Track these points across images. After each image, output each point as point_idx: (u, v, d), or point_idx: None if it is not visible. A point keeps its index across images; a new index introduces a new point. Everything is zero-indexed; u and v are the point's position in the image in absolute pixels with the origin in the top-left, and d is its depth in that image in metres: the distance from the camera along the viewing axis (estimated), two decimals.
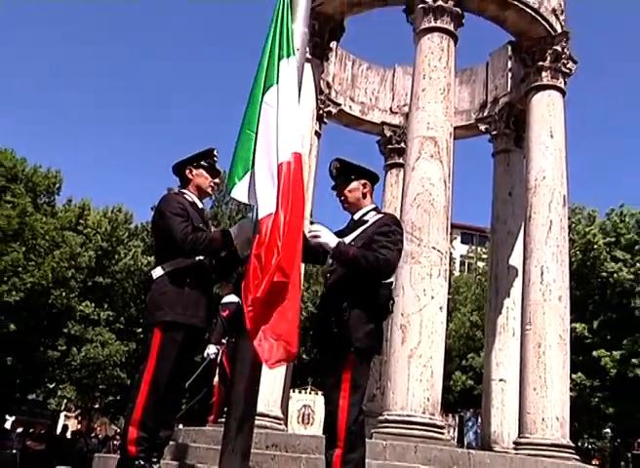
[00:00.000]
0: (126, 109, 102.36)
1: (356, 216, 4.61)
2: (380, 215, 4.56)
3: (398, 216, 9.41)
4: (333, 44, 12.07)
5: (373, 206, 4.67)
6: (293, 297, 3.86)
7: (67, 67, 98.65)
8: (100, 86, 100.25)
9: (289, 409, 13.84)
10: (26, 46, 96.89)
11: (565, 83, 11.31)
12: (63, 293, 22.20)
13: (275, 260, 3.72)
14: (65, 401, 32.23)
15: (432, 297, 8.63)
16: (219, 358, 9.16)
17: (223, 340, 9.15)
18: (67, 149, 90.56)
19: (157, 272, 4.67)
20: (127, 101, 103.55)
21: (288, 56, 4.22)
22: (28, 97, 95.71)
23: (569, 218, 12.74)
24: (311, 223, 3.98)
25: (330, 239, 4.21)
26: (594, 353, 21.90)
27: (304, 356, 21.43)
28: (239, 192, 4.16)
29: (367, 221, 4.50)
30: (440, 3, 10.03)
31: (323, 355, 4.59)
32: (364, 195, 4.64)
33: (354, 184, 4.63)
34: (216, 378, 9.43)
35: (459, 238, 45.94)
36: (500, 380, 11.47)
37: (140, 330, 24.35)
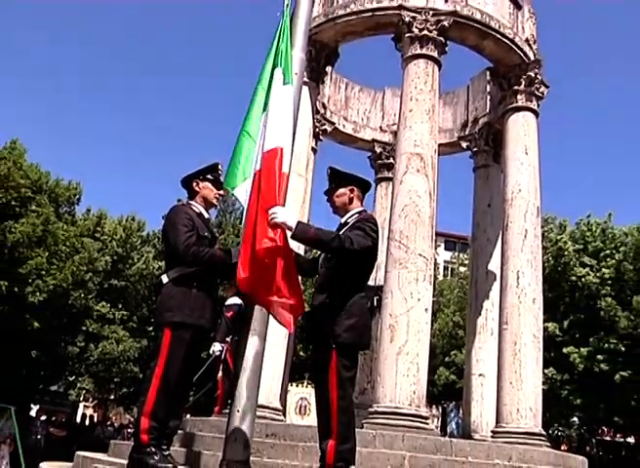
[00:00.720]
0: (140, 128, 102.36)
1: (342, 220, 4.59)
2: (360, 216, 4.51)
3: (388, 226, 9.47)
4: (328, 68, 12.12)
5: (359, 209, 4.61)
6: (286, 258, 3.88)
7: (88, 84, 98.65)
8: (117, 102, 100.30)
9: (287, 401, 13.80)
10: (50, 60, 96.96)
11: (538, 105, 11.36)
12: (82, 295, 22.14)
13: (254, 230, 3.82)
14: (84, 392, 32.17)
15: (418, 300, 8.64)
16: (223, 355, 9.14)
17: (227, 339, 9.13)
18: (87, 162, 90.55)
19: (167, 277, 4.65)
20: (141, 121, 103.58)
21: (285, 83, 4.25)
22: (56, 116, 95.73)
23: (542, 227, 12.73)
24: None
25: (287, 218, 3.89)
26: (564, 350, 21.90)
27: (302, 353, 21.38)
28: (239, 193, 4.22)
29: (349, 223, 4.48)
30: (425, 33, 10.07)
31: (313, 351, 4.58)
32: (350, 200, 4.61)
33: (341, 190, 4.62)
34: (220, 373, 9.41)
35: (442, 245, 46.06)
36: (480, 375, 11.47)
37: (151, 328, 24.34)
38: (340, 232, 4.39)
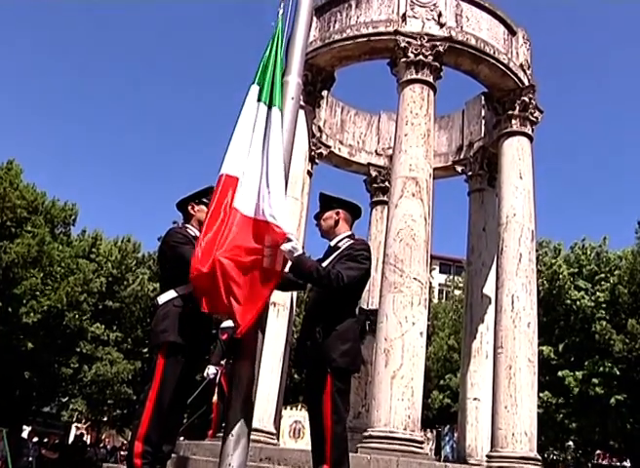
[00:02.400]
0: (137, 150, 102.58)
1: (332, 243, 4.58)
2: (352, 241, 4.51)
3: (383, 249, 9.47)
4: (324, 92, 12.16)
5: (348, 233, 4.60)
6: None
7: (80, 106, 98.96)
8: (114, 123, 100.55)
9: (281, 424, 13.72)
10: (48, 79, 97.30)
11: (532, 130, 11.43)
12: (77, 316, 22.05)
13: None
14: (77, 413, 31.91)
15: (413, 324, 8.63)
16: (217, 378, 9.10)
17: (222, 362, 9.10)
18: (84, 183, 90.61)
19: (162, 299, 4.66)
20: (139, 143, 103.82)
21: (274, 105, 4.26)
22: (54, 138, 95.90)
23: (537, 251, 12.76)
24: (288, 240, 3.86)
25: (297, 247, 3.93)
26: (559, 373, 21.86)
27: (296, 376, 21.29)
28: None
29: (340, 248, 4.47)
30: (421, 58, 10.15)
31: (306, 376, 4.56)
32: (336, 222, 4.60)
33: (328, 213, 4.64)
34: (215, 396, 9.37)
35: (437, 268, 46.06)
36: (475, 399, 11.43)
37: (145, 350, 24.26)
38: (332, 256, 4.41)
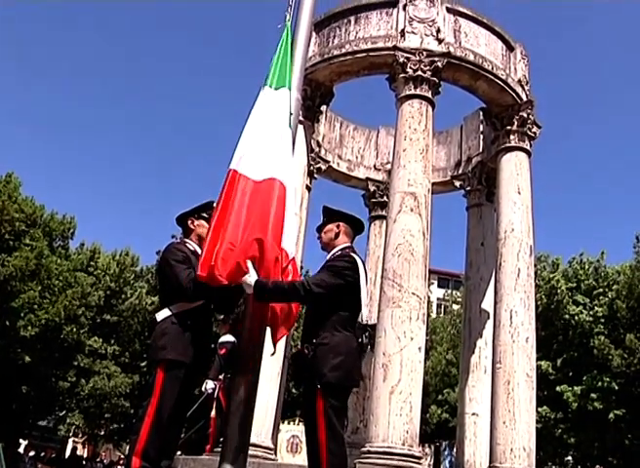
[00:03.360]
0: (134, 166, 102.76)
1: (328, 256, 4.55)
2: (338, 253, 4.47)
3: (381, 264, 9.47)
4: (323, 107, 12.20)
5: (345, 245, 4.55)
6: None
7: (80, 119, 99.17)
8: (113, 137, 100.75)
9: (278, 438, 13.66)
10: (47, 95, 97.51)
11: (530, 145, 11.48)
12: (74, 329, 22.03)
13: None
14: (74, 427, 31.77)
15: (412, 339, 8.62)
16: (215, 393, 9.07)
17: (220, 376, 9.07)
18: (82, 195, 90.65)
19: (161, 315, 4.63)
20: (137, 156, 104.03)
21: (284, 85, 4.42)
22: (52, 150, 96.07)
23: (535, 265, 12.76)
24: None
25: (250, 279, 3.96)
26: (558, 388, 21.82)
27: (293, 390, 21.22)
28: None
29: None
30: (419, 73, 10.21)
31: (302, 392, 4.53)
32: (336, 235, 4.57)
33: (329, 226, 4.62)
34: (213, 411, 9.33)
35: (435, 282, 46.02)
36: (473, 414, 11.40)
37: (143, 363, 24.21)
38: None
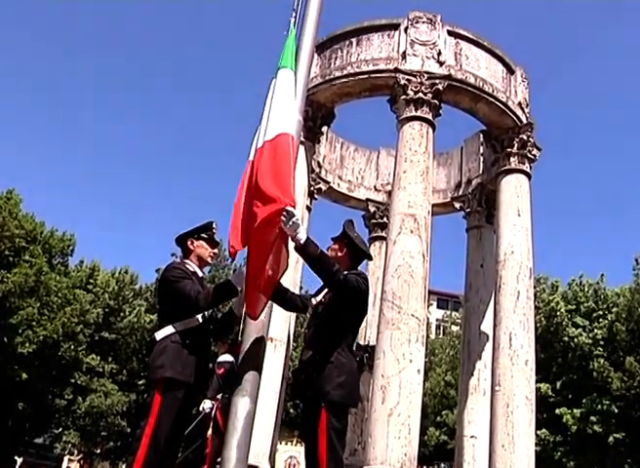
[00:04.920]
0: (135, 184, 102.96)
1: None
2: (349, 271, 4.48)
3: (381, 285, 9.46)
4: (324, 128, 12.24)
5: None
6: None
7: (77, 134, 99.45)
8: (114, 155, 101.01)
9: (276, 459, 13.60)
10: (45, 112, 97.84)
11: (530, 167, 11.51)
12: (72, 346, 22.02)
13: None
14: (70, 445, 31.60)
15: (411, 361, 8.60)
16: (213, 412, 9.04)
17: (218, 396, 9.04)
18: (83, 212, 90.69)
19: (160, 334, 4.64)
20: (138, 175, 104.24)
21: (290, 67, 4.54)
22: (57, 170, 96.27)
23: (534, 287, 12.76)
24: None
25: (300, 228, 3.98)
26: (557, 411, 21.79)
27: (291, 410, 21.16)
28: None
29: None
30: (420, 95, 10.26)
31: (302, 409, 4.52)
32: (338, 256, 4.58)
33: (335, 246, 4.65)
34: (210, 431, 9.28)
35: (435, 303, 45.98)
36: (472, 437, 11.33)
37: (140, 382, 24.19)
38: (325, 290, 4.44)
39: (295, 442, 18.11)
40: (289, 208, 3.86)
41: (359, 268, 4.74)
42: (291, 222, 3.87)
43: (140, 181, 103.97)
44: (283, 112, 4.32)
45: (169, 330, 4.60)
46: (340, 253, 4.59)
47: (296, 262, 10.61)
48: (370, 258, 4.88)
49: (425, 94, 10.30)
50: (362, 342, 11.65)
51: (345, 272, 4.32)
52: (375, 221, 14.09)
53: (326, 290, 4.48)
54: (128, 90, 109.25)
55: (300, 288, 12.88)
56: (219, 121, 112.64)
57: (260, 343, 4.15)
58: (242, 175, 4.38)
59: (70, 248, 24.44)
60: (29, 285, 19.92)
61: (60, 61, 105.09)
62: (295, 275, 10.36)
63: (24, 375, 20.18)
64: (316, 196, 12.99)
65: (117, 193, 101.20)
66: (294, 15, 4.90)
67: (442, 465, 30.06)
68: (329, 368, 4.18)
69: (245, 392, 3.95)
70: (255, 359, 4.06)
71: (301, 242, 3.98)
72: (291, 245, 4.10)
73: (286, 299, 4.62)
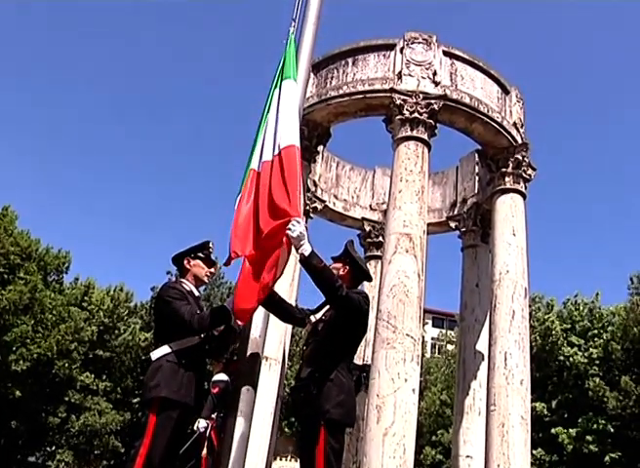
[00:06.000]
0: (130, 201, 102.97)
1: None
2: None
3: (376, 305, 9.47)
4: (320, 147, 12.29)
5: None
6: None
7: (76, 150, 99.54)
8: (111, 171, 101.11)
9: None
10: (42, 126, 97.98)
11: (526, 187, 11.57)
12: (66, 364, 21.96)
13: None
14: (63, 464, 31.39)
15: (406, 380, 8.59)
16: (207, 432, 9.00)
17: (213, 415, 9.01)
18: (78, 231, 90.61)
19: (156, 354, 4.63)
20: (132, 195, 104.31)
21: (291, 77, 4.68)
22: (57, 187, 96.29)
23: (529, 306, 12.78)
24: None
25: (305, 240, 4.04)
26: (553, 430, 21.75)
27: (286, 429, 21.08)
28: None
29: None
30: (416, 115, 10.32)
31: (300, 427, 4.52)
32: (339, 275, 4.58)
33: (336, 264, 4.69)
34: (204, 450, 9.25)
35: (430, 322, 45.89)
36: (467, 457, 11.30)
37: (135, 400, 24.08)
38: (325, 308, 4.46)
39: (289, 457, 18.02)
40: (295, 219, 3.97)
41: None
42: (297, 234, 3.96)
43: (136, 199, 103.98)
44: (290, 124, 4.43)
45: (165, 349, 4.59)
46: (341, 273, 4.63)
47: (291, 281, 10.63)
48: (370, 279, 4.93)
49: (421, 114, 10.37)
50: (360, 362, 11.65)
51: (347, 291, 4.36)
52: (370, 240, 14.10)
53: (326, 307, 4.51)
54: (128, 92, 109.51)
55: (296, 306, 12.81)
56: (218, 137, 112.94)
57: (255, 362, 4.16)
58: (242, 184, 4.48)
59: (65, 265, 24.44)
60: (24, 302, 19.90)
61: (58, 68, 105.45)
62: (290, 293, 10.36)
63: (18, 393, 20.12)
64: (312, 215, 13.02)
65: (113, 210, 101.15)
66: (293, 24, 4.99)
67: None
68: (328, 386, 4.20)
69: (240, 412, 3.96)
70: (250, 378, 4.07)
71: (306, 254, 4.05)
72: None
73: (282, 309, 4.67)
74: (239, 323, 4.32)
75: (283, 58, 4.87)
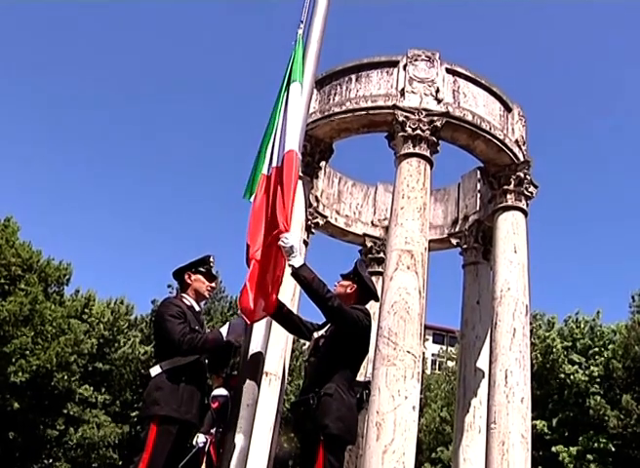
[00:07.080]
0: (132, 214, 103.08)
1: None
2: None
3: (377, 322, 9.46)
4: (322, 163, 12.33)
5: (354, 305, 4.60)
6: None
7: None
8: (114, 187, 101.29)
9: None
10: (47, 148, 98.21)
11: (527, 205, 11.60)
12: (65, 377, 21.88)
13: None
14: None
15: (406, 397, 8.58)
16: (206, 447, 8.98)
17: (212, 430, 8.98)
18: (80, 244, 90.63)
19: (155, 370, 4.61)
20: (133, 207, 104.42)
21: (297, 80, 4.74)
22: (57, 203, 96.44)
23: (530, 324, 12.76)
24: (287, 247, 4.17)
25: (296, 253, 4.15)
26: (553, 448, 21.60)
27: (285, 445, 20.99)
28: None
29: None
30: (418, 132, 10.37)
31: (300, 442, 4.51)
32: (346, 293, 4.62)
33: (344, 282, 4.70)
34: (203, 466, 9.22)
35: (431, 338, 45.78)
36: None
37: (134, 413, 23.95)
38: (328, 326, 4.47)
39: None
40: (285, 234, 4.08)
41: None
42: (288, 247, 4.08)
43: (138, 211, 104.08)
44: (293, 130, 4.51)
45: (164, 366, 4.57)
46: (349, 291, 4.64)
47: (292, 296, 10.63)
48: (377, 300, 4.95)
49: (423, 131, 10.42)
50: (362, 379, 11.63)
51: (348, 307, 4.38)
52: (371, 256, 14.11)
53: (330, 324, 4.51)
54: (132, 104, 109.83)
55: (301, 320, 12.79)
56: (219, 159, 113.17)
57: (255, 377, 4.16)
58: (249, 187, 4.63)
59: (66, 277, 24.39)
60: (24, 313, 19.86)
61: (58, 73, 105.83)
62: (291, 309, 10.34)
63: (16, 405, 20.05)
64: (313, 230, 13.05)
65: (114, 223, 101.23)
66: (301, 26, 5.02)
67: None
68: (328, 401, 4.18)
69: (239, 428, 3.95)
70: (250, 393, 4.06)
71: (296, 265, 4.13)
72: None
73: (289, 320, 4.69)
74: (247, 321, 4.32)
75: (291, 59, 4.92)
